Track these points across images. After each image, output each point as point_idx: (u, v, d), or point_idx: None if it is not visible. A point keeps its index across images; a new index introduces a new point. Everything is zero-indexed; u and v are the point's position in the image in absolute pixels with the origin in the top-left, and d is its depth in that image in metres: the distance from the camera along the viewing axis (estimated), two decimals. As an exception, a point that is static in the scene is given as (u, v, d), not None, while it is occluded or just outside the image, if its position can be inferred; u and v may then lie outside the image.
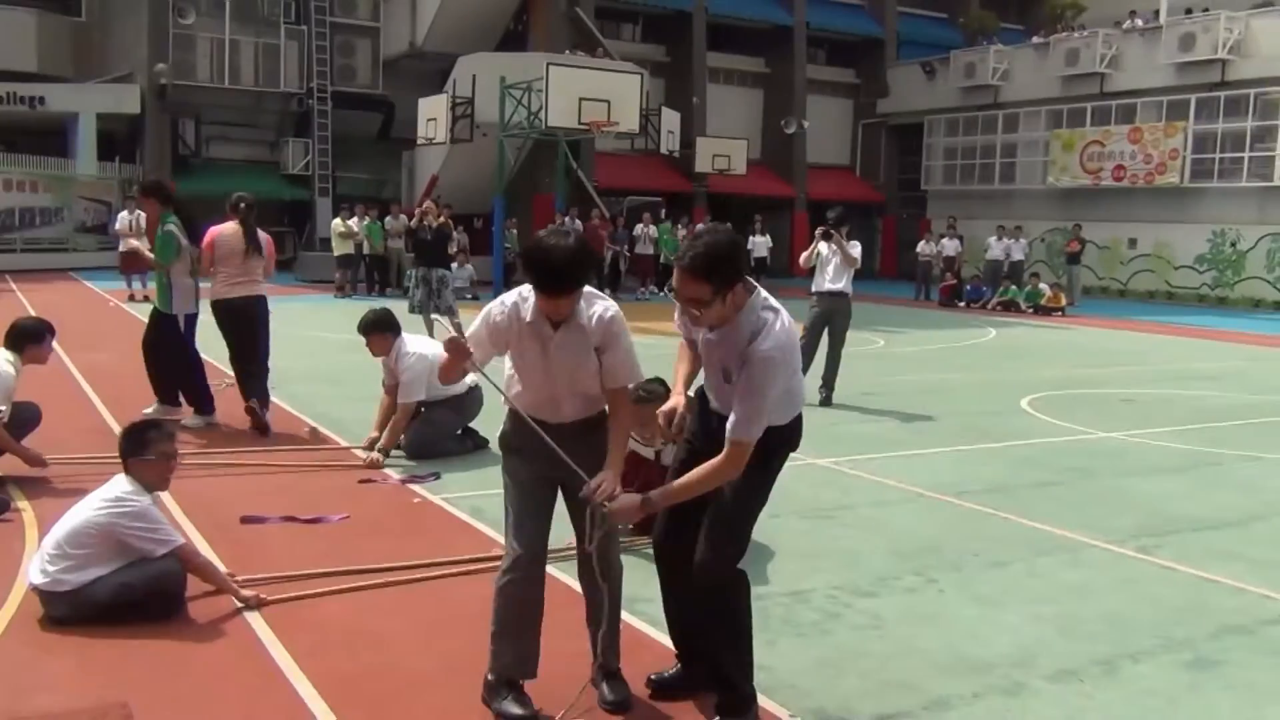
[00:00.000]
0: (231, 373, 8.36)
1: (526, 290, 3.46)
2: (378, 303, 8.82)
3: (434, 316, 11.59)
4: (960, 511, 6.40)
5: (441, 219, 14.78)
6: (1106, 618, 4.68)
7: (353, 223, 22.15)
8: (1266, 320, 23.13)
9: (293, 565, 4.89)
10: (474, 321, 3.57)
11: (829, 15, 35.39)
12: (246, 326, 7.99)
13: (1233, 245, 26.74)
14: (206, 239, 7.98)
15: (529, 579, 3.58)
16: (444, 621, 4.37)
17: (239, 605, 4.38)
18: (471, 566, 4.98)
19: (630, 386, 3.64)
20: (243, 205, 8.15)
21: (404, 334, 7.45)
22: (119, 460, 4.44)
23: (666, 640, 3.98)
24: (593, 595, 3.70)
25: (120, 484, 4.36)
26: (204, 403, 8.13)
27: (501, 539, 5.38)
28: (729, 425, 3.28)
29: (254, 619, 4.27)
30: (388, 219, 22.83)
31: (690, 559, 3.48)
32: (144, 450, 4.39)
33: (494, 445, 7.03)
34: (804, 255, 10.28)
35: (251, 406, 7.87)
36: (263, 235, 8.23)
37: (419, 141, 24.99)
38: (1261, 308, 25.73)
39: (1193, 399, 11.38)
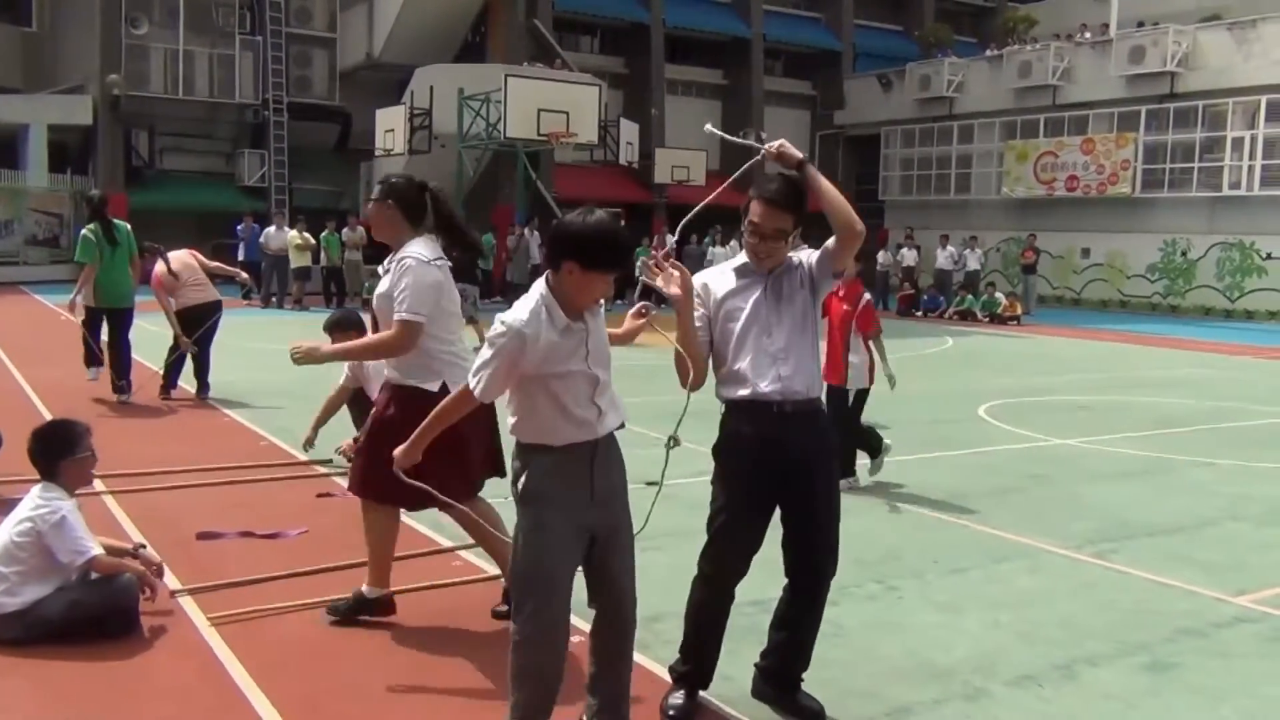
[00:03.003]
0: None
1: (532, 300, 3.09)
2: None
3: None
4: (920, 519, 6.45)
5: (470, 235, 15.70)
6: (1064, 623, 4.73)
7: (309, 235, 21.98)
8: (1216, 328, 23.53)
9: (251, 582, 4.83)
10: (483, 356, 3.10)
11: (786, 28, 35.68)
12: (200, 325, 9.77)
13: (1183, 254, 27.19)
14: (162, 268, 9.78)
15: (557, 653, 3.16)
16: (405, 637, 4.33)
17: (172, 609, 4.32)
18: (431, 581, 4.94)
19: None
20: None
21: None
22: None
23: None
24: (614, 643, 3.34)
25: (42, 492, 4.23)
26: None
27: (462, 550, 5.38)
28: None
29: (211, 636, 4.22)
30: (345, 231, 22.68)
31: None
32: (77, 447, 4.30)
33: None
34: None
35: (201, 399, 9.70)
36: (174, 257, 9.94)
37: (377, 153, 24.89)
38: (1212, 315, 26.17)
39: (1146, 406, 11.55)
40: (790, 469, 3.50)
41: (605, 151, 24.27)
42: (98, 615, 4.13)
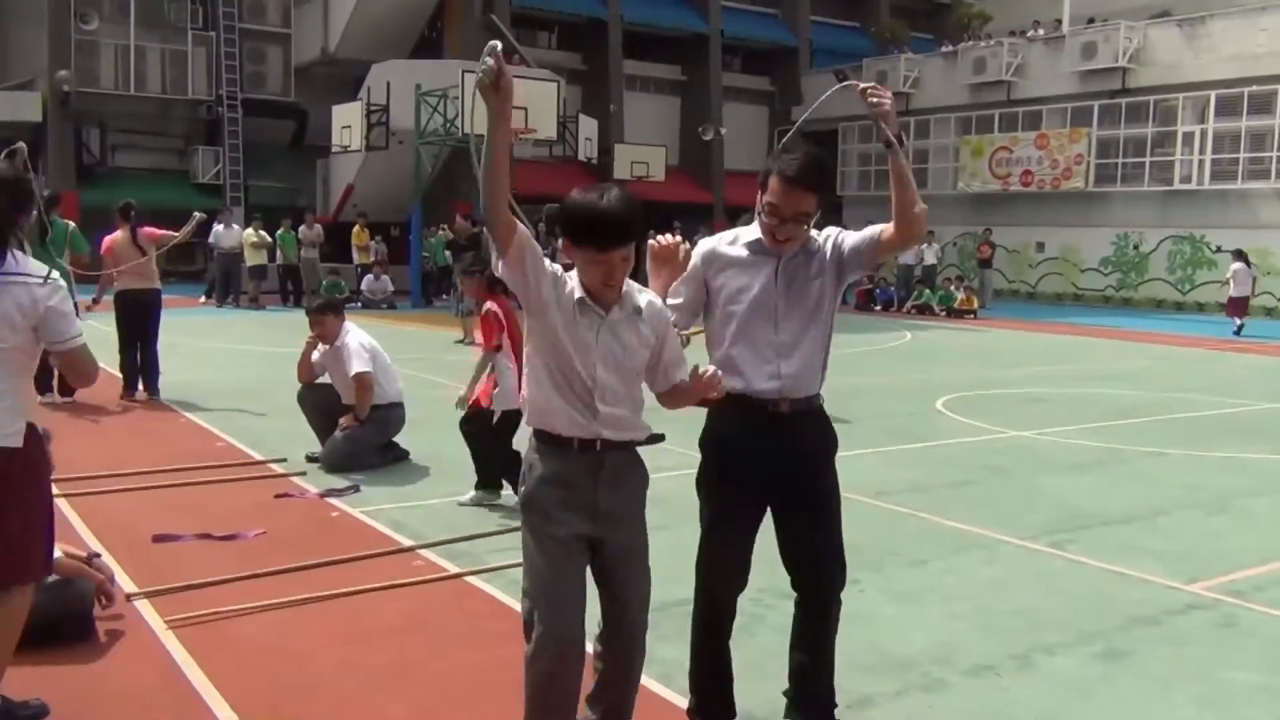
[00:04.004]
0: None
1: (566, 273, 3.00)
2: (292, 314, 8.69)
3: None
4: (879, 512, 6.50)
5: (477, 230, 17.35)
6: (1021, 612, 4.80)
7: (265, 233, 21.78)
8: (1168, 320, 23.93)
9: (208, 584, 4.78)
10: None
11: (744, 24, 35.78)
12: (139, 315, 9.76)
13: (1136, 248, 27.61)
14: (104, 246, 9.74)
15: (568, 664, 3.00)
16: (365, 638, 4.31)
17: (126, 614, 4.27)
18: (392, 581, 4.92)
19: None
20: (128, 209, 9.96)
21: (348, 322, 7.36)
22: None
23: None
24: (621, 661, 3.17)
25: None
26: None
27: (423, 549, 5.36)
28: (872, 229, 3.31)
29: (169, 640, 4.17)
30: (301, 228, 22.48)
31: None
32: None
33: (429, 464, 7.00)
34: None
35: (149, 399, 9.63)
36: (145, 230, 9.86)
37: (333, 149, 24.68)
38: (1163, 308, 26.60)
39: (1100, 397, 11.72)
40: (788, 473, 3.27)
41: (564, 148, 24.23)
42: (52, 621, 4.06)
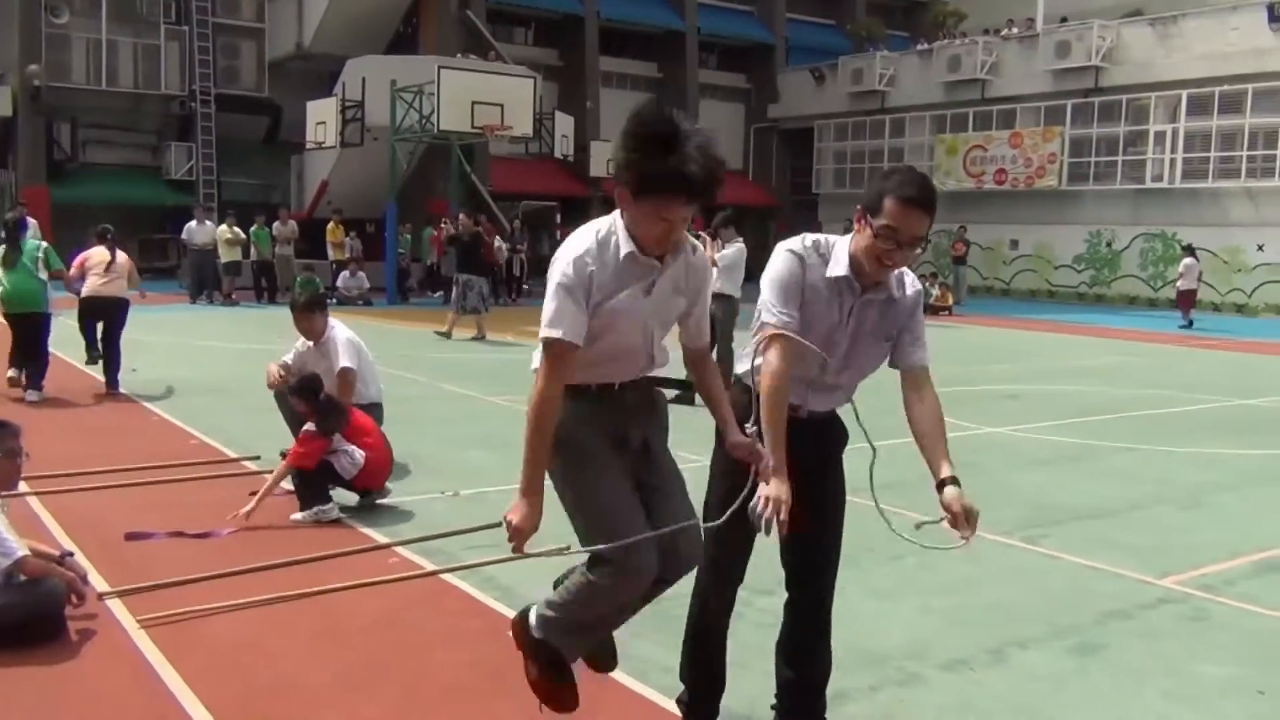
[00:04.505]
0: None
1: (600, 224, 2.82)
2: (267, 311, 8.60)
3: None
4: (855, 508, 6.50)
5: (477, 228, 17.48)
6: (995, 607, 4.83)
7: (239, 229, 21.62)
8: (1141, 317, 24.14)
9: (181, 583, 4.75)
10: (549, 301, 2.76)
11: (719, 21, 35.82)
12: (108, 318, 9.98)
13: (1108, 245, 27.83)
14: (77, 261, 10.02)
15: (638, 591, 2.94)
16: (340, 636, 4.29)
17: (98, 613, 4.24)
18: (367, 578, 4.90)
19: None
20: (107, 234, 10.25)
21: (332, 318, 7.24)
22: None
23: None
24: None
25: None
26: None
27: (399, 547, 5.34)
28: (924, 355, 3.21)
29: (142, 640, 4.13)
30: (276, 225, 22.34)
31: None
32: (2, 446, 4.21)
33: (405, 462, 6.96)
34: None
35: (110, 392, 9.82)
36: (123, 255, 10.20)
37: (308, 145, 24.56)
38: (1136, 305, 26.83)
39: (1073, 394, 11.81)
40: (799, 473, 3.09)
41: (540, 144, 24.18)
42: (22, 621, 4.03)
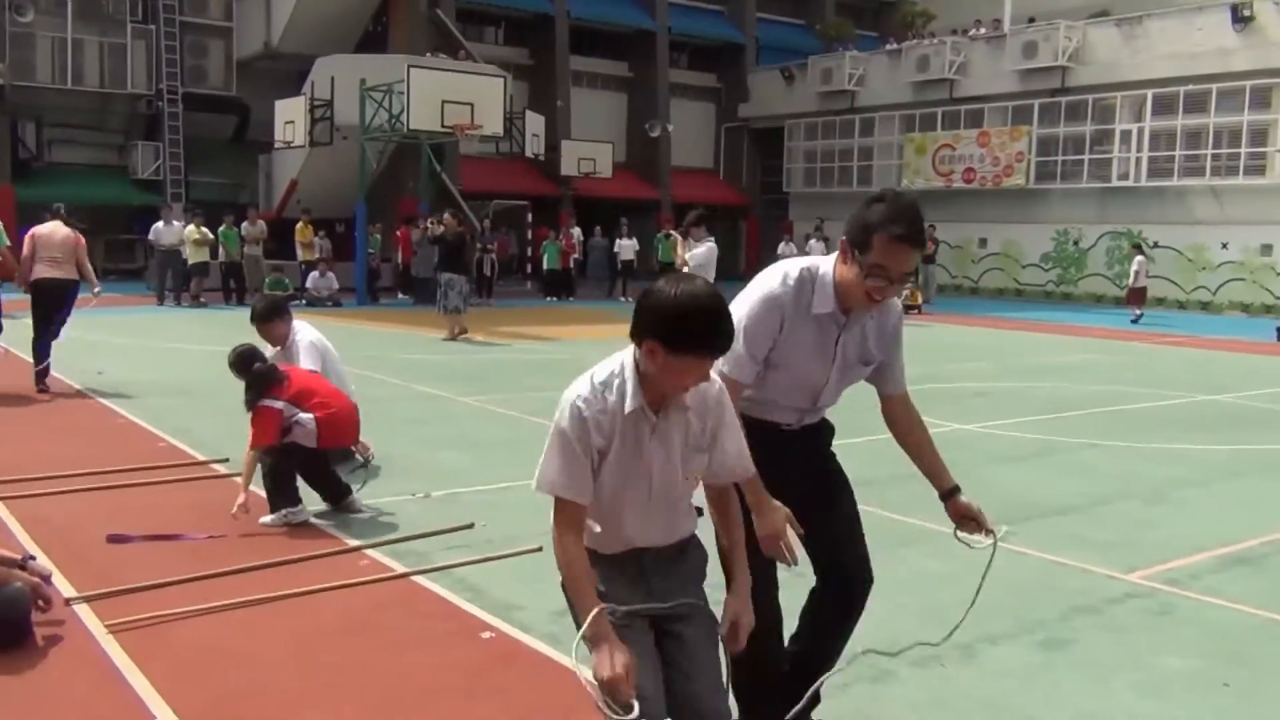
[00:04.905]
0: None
1: (605, 370, 2.60)
2: (235, 312, 8.54)
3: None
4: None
5: (461, 228, 17.52)
6: (965, 603, 4.85)
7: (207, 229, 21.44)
8: (1107, 314, 24.38)
9: (150, 587, 4.71)
10: (545, 459, 2.59)
11: (690, 20, 35.88)
12: (56, 301, 9.92)
13: (1075, 244, 28.09)
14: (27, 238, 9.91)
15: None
16: (311, 639, 4.26)
17: (65, 619, 4.20)
18: (339, 580, 4.88)
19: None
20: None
21: (294, 321, 7.17)
22: None
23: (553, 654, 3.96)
24: None
25: None
26: None
27: (369, 549, 5.32)
28: (901, 379, 3.27)
29: (109, 644, 4.10)
30: (244, 225, 22.18)
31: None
32: None
33: (376, 463, 6.92)
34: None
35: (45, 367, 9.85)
36: (78, 236, 10.10)
37: (276, 145, 24.41)
38: (1103, 303, 27.10)
39: (1041, 391, 11.92)
40: (798, 471, 3.16)
41: (511, 144, 24.12)
42: (-13, 627, 3.99)
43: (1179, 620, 4.74)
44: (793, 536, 2.98)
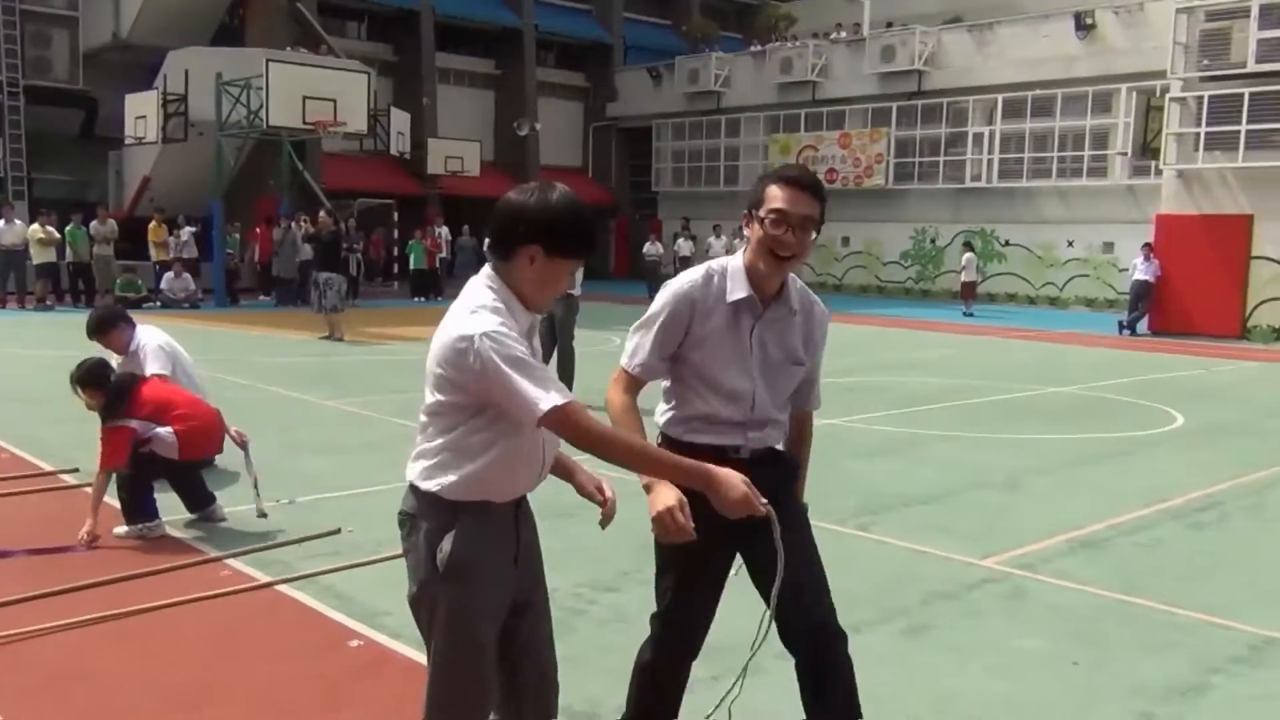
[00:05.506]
0: None
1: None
2: (84, 315, 8.20)
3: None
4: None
5: (335, 227, 17.13)
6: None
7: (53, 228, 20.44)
8: (963, 310, 25.27)
9: (-7, 605, 4.47)
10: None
11: (557, 19, 35.81)
12: None
13: (932, 242, 29.05)
14: None
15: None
16: (169, 656, 4.11)
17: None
18: (199, 592, 4.71)
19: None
20: None
21: (139, 327, 6.87)
22: None
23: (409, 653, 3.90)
24: None
25: None
26: None
27: (230, 559, 5.15)
28: (815, 397, 3.17)
29: (-53, 668, 3.87)
30: (93, 224, 21.23)
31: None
32: None
33: (235, 470, 6.70)
34: None
35: None
36: None
37: (127, 141, 23.45)
38: (959, 299, 28.02)
39: (901, 385, 12.30)
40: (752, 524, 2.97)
41: (375, 141, 23.69)
42: None
43: (1031, 603, 4.95)
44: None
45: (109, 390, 5.60)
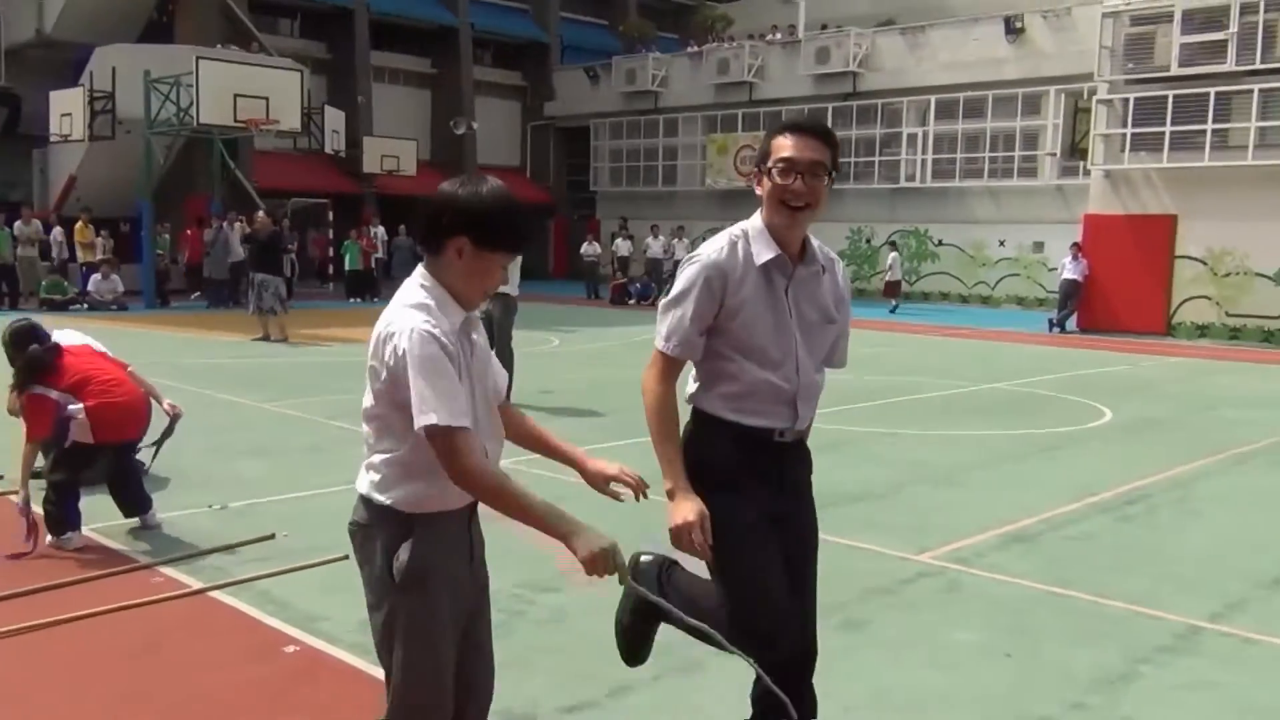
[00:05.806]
0: None
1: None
2: (7, 318, 7.96)
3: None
4: (631, 505, 6.63)
5: (274, 227, 16.97)
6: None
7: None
8: (898, 309, 25.60)
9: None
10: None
11: (493, 18, 35.63)
12: None
13: (868, 241, 29.38)
14: None
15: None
16: (97, 666, 4.02)
17: None
18: (125, 601, 4.61)
19: None
20: None
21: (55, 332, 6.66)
22: None
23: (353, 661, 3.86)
24: None
25: None
26: None
27: (162, 566, 5.05)
28: (844, 353, 3.11)
29: None
30: (17, 224, 20.69)
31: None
32: None
33: (167, 474, 6.56)
34: None
35: None
36: None
37: (52, 138, 22.91)
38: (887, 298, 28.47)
39: (836, 383, 12.36)
40: (782, 502, 3.01)
41: (310, 140, 23.39)
42: None
43: (966, 596, 5.03)
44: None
45: (26, 356, 5.40)
